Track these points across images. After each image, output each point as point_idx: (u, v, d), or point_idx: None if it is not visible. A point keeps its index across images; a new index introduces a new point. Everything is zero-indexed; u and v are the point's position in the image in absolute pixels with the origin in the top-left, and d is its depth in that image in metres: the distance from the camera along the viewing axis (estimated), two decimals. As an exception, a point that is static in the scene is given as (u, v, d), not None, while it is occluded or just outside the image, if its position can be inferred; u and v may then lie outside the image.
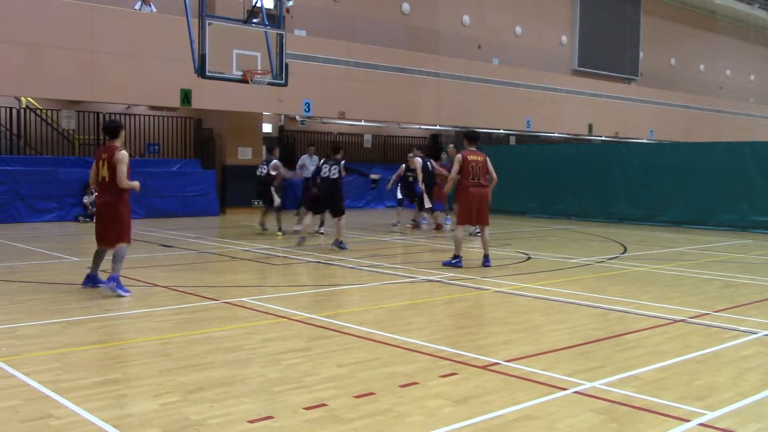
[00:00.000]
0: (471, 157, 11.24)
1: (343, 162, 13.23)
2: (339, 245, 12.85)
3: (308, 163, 20.36)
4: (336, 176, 13.07)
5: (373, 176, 16.70)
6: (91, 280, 8.76)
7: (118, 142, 8.56)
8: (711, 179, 18.63)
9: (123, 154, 8.37)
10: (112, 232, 8.51)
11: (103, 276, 8.72)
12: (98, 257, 8.81)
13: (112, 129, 8.64)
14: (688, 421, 4.48)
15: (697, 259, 12.74)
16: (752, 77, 46.14)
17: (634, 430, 4.32)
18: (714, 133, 34.61)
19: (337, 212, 13.13)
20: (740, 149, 18.67)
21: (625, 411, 4.66)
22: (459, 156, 11.32)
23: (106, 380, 5.11)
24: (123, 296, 8.23)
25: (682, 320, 7.46)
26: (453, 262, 11.00)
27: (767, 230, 17.53)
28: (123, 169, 8.35)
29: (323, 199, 13.33)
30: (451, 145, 17.77)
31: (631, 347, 6.31)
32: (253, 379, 5.23)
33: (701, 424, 4.44)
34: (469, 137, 11.59)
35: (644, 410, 4.67)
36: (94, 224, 9.07)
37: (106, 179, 8.40)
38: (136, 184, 8.54)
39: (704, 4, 39.54)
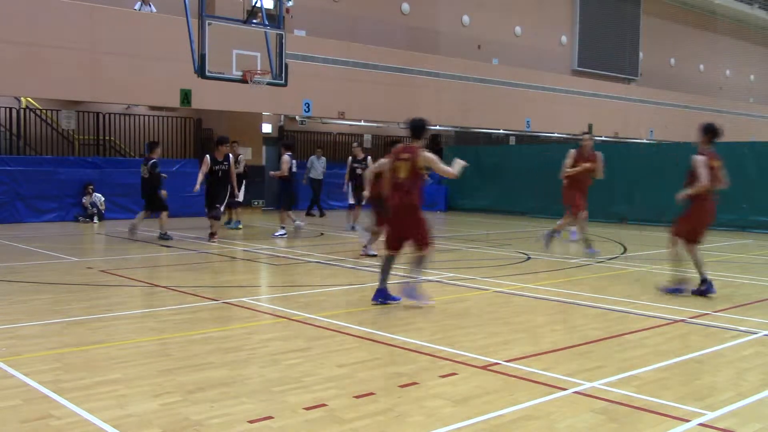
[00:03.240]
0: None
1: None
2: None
3: (316, 164, 20.35)
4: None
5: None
6: (383, 295, 8.07)
7: (420, 143, 7.96)
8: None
9: (431, 155, 7.85)
10: (417, 236, 7.92)
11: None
12: (389, 266, 8.11)
13: (420, 128, 8.00)
14: (688, 421, 4.48)
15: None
16: (752, 77, 46.13)
17: (633, 430, 4.32)
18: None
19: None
20: (740, 149, 18.66)
21: (625, 411, 4.66)
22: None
23: (106, 380, 5.11)
24: (426, 305, 7.85)
25: (682, 320, 7.46)
26: None
27: (767, 230, 17.52)
28: (441, 167, 7.89)
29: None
30: (355, 144, 17.32)
31: (631, 347, 6.31)
32: (253, 379, 5.23)
33: (701, 424, 4.44)
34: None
35: (644, 410, 4.67)
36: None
37: (406, 180, 7.82)
38: (451, 171, 7.85)
39: (704, 4, 39.53)
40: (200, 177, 13.69)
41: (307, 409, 4.58)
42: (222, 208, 14.30)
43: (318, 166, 20.92)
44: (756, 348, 6.38)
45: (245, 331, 6.77)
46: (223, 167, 13.85)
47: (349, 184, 16.54)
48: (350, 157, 16.81)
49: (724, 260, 12.54)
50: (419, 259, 8.03)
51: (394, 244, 8.06)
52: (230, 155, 14.12)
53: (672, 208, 19.52)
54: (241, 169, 16.63)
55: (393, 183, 7.93)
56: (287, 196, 15.42)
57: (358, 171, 16.07)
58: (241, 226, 16.62)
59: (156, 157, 14.43)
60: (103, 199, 18.47)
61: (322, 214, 20.80)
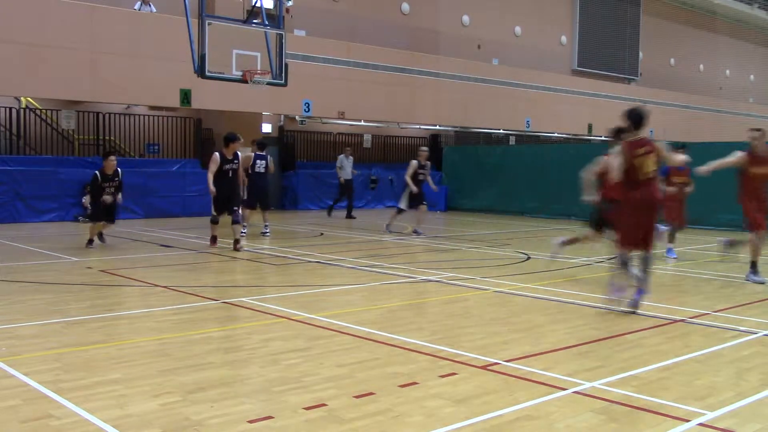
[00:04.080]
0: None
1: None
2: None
3: (345, 163, 20.12)
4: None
5: (373, 177, 16.68)
6: (638, 294, 7.71)
7: (645, 132, 7.94)
8: (712, 179, 18.52)
9: (665, 144, 7.90)
10: (654, 233, 7.73)
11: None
12: (630, 264, 7.87)
13: (642, 118, 7.98)
14: (687, 421, 4.48)
15: (697, 258, 12.74)
16: (752, 77, 46.14)
17: (633, 430, 4.32)
18: (714, 133, 34.57)
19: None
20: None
21: (624, 411, 4.66)
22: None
23: (106, 380, 5.11)
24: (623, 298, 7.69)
25: (682, 320, 7.46)
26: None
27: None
28: (673, 157, 8.15)
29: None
30: (423, 148, 16.44)
31: (630, 347, 6.31)
32: (253, 379, 5.23)
33: (701, 424, 4.44)
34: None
35: (644, 410, 4.67)
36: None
37: (653, 174, 7.72)
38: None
39: (704, 4, 39.54)
40: (210, 177, 12.48)
41: (307, 409, 4.58)
42: (240, 211, 13.19)
43: (347, 166, 20.38)
44: (756, 348, 6.38)
45: (245, 331, 6.78)
46: (233, 166, 12.73)
47: (406, 188, 15.62)
48: (414, 161, 15.76)
49: (723, 260, 12.54)
50: (648, 257, 7.83)
51: (635, 242, 7.82)
52: (239, 153, 12.96)
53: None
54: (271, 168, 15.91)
55: (636, 179, 7.76)
56: (249, 194, 14.96)
57: (421, 177, 15.52)
58: (268, 231, 15.64)
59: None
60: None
61: (349, 215, 20.14)
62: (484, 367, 5.58)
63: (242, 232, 14.04)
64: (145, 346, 6.12)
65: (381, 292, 8.99)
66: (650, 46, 37.62)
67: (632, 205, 7.77)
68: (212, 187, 12.41)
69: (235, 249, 12.53)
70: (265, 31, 14.59)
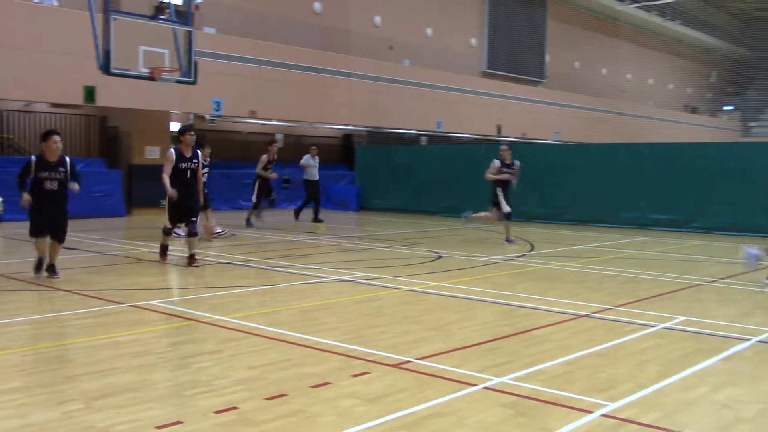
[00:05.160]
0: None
1: None
2: None
3: (311, 163, 19.61)
4: None
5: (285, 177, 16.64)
6: None
7: None
8: (613, 179, 19.38)
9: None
10: None
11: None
12: None
13: None
14: (591, 412, 4.65)
15: (600, 256, 13.21)
16: (651, 81, 48.14)
17: (540, 424, 4.45)
18: (615, 134, 35.93)
19: None
20: (640, 150, 19.50)
21: (532, 405, 4.79)
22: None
23: (5, 389, 4.89)
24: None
25: (586, 315, 7.72)
26: None
27: (665, 228, 18.33)
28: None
29: None
30: (504, 146, 15.08)
31: (537, 342, 6.49)
32: (161, 384, 5.12)
33: (603, 415, 4.61)
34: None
35: (550, 403, 4.81)
36: None
37: None
38: None
39: (606, 10, 41.01)
40: (166, 179, 10.59)
41: (218, 412, 4.52)
42: (198, 220, 11.18)
43: (313, 166, 19.42)
44: (654, 340, 6.67)
45: (153, 334, 6.62)
46: (192, 165, 10.76)
47: (500, 192, 14.52)
48: (497, 161, 14.55)
49: (625, 257, 13.05)
50: None
51: None
52: (199, 152, 11.12)
53: (575, 206, 20.26)
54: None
55: None
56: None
57: (506, 176, 14.47)
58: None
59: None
60: (1, 200, 17.66)
61: (316, 218, 18.79)
62: (396, 366, 5.63)
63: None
64: (48, 353, 5.90)
65: (293, 292, 8.94)
66: (556, 50, 38.75)
67: None
68: (171, 190, 10.58)
69: (191, 265, 10.68)
70: (174, 28, 14.27)
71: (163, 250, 11.28)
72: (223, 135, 25.02)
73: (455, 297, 8.71)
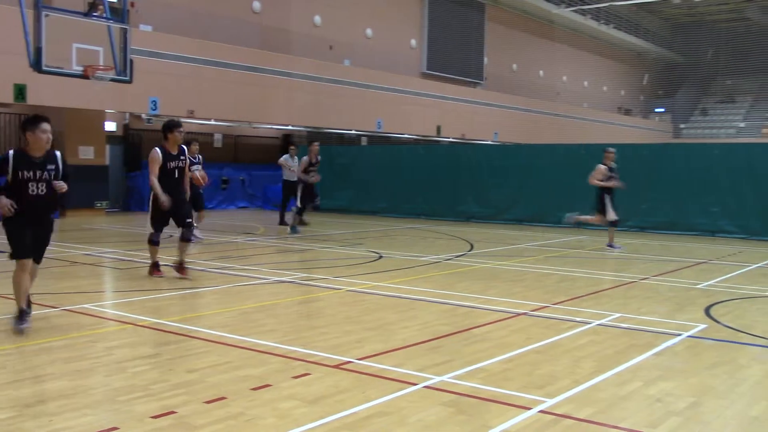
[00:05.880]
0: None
1: None
2: None
3: (291, 163, 19.17)
4: None
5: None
6: None
7: None
8: (551, 179, 19.73)
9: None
10: None
11: None
12: None
13: None
14: (529, 408, 4.73)
15: (537, 254, 13.44)
16: (586, 83, 49.19)
17: (480, 421, 4.50)
18: (552, 135, 36.60)
19: None
20: (576, 151, 19.89)
21: (472, 403, 4.84)
22: None
23: (-71, 398, 4.72)
24: None
25: (524, 313, 7.84)
26: None
27: (601, 227, 18.73)
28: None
29: None
30: (611, 149, 14.25)
31: (477, 341, 6.57)
32: (96, 390, 5.00)
33: (541, 411, 4.69)
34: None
35: (490, 401, 4.87)
36: None
37: None
38: None
39: (543, 14, 41.73)
40: (155, 181, 9.43)
41: (155, 417, 4.44)
42: (195, 223, 10.35)
43: (293, 166, 18.32)
44: (590, 337, 6.82)
45: (88, 339, 6.46)
46: (180, 164, 9.70)
47: (608, 199, 13.88)
48: (603, 166, 13.82)
49: (561, 255, 13.30)
50: None
51: None
52: (185, 148, 9.99)
53: (514, 206, 20.55)
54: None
55: None
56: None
57: (614, 182, 13.78)
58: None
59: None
60: None
61: (282, 221, 18.13)
62: (337, 367, 5.63)
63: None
64: (-24, 359, 5.70)
65: (233, 294, 8.85)
66: (494, 52, 39.25)
67: None
68: (164, 196, 9.32)
69: (179, 273, 9.77)
70: (108, 25, 13.95)
71: (155, 266, 9.96)
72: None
73: (396, 297, 8.74)
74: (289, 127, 27.51)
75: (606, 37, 48.73)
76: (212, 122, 24.60)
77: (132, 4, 21.47)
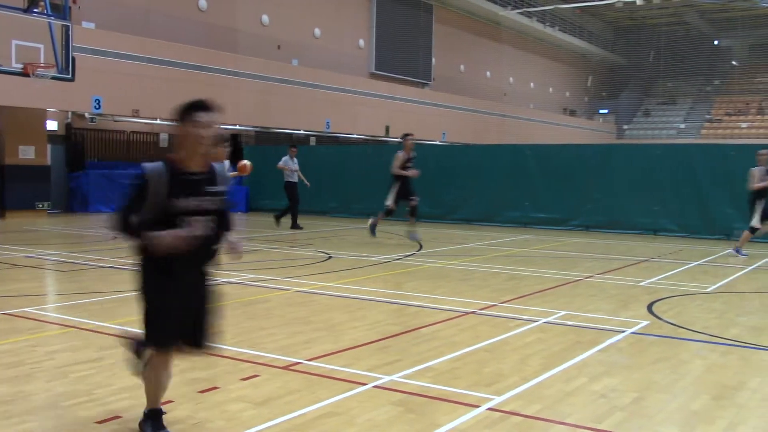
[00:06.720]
0: None
1: None
2: None
3: (290, 165, 18.61)
4: None
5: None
6: None
7: None
8: (497, 179, 19.95)
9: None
10: None
11: None
12: None
13: None
14: (478, 406, 4.77)
15: (485, 254, 13.57)
16: (532, 85, 49.87)
17: (430, 419, 4.52)
18: (499, 136, 37.00)
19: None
20: (522, 151, 20.16)
21: (421, 401, 4.86)
22: None
23: None
24: None
25: (473, 312, 7.90)
26: None
27: (546, 226, 19.03)
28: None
29: None
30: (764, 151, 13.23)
31: (426, 340, 6.60)
32: (37, 395, 4.87)
33: (490, 409, 4.74)
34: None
35: (439, 399, 4.90)
36: None
37: None
38: None
39: (490, 15, 42.15)
40: None
41: (100, 422, 4.35)
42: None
43: (292, 167, 18.18)
44: (537, 335, 6.91)
45: (28, 343, 6.29)
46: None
47: (759, 202, 13.07)
48: (756, 169, 12.96)
49: (508, 254, 13.46)
50: None
51: None
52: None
53: (462, 206, 20.71)
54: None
55: None
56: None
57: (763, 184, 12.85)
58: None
59: None
60: None
61: (295, 225, 17.73)
62: (286, 368, 5.59)
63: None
64: None
65: (180, 296, 8.70)
66: (442, 53, 39.50)
67: None
68: None
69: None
70: (49, 22, 13.63)
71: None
72: (104, 134, 24.12)
73: (345, 297, 8.73)
74: (237, 127, 27.25)
75: (551, 39, 49.48)
76: (158, 122, 24.21)
77: (74, 1, 21.01)
